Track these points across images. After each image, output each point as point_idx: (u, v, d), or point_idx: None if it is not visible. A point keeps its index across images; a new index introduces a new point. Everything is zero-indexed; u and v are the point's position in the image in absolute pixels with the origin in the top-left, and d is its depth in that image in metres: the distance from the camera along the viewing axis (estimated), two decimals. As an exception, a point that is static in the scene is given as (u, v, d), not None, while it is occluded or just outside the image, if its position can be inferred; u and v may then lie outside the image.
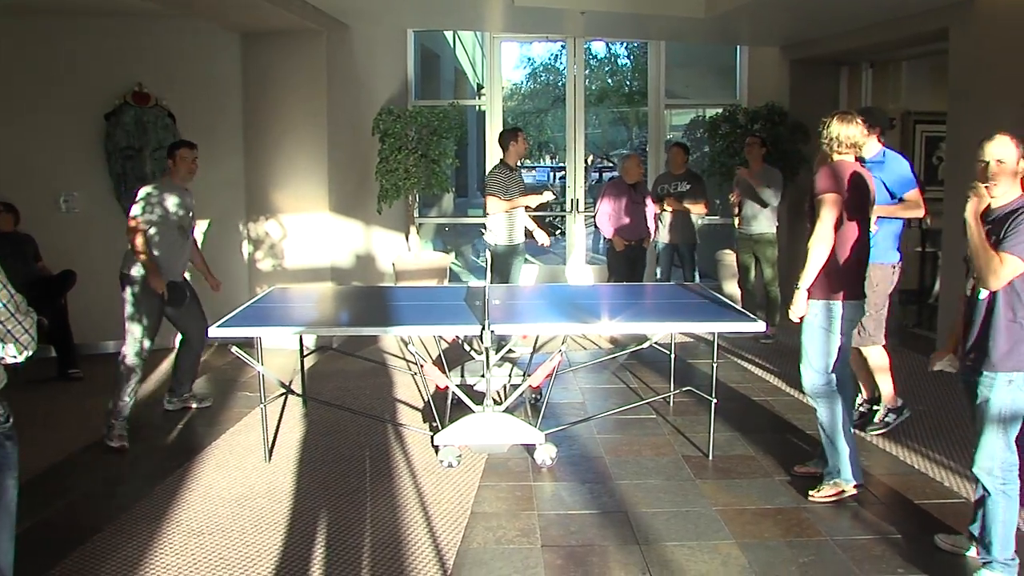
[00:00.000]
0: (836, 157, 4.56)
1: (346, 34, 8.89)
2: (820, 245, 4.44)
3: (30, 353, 2.68)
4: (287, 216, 8.46)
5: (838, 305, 4.51)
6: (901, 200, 5.44)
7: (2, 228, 7.36)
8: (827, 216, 4.42)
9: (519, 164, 8.09)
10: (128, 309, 5.89)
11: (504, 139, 8.03)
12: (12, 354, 2.63)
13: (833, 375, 4.57)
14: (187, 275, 6.35)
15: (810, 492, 4.67)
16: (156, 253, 5.92)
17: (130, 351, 5.82)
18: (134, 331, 5.86)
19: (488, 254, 6.53)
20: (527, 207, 7.89)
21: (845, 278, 4.52)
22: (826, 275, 4.49)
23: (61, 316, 7.41)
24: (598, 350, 8.24)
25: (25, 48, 7.77)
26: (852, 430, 4.76)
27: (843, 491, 4.62)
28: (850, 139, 4.53)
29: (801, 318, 4.59)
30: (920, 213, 5.54)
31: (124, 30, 8.00)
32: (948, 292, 7.54)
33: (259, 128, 8.44)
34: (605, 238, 8.72)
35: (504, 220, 7.87)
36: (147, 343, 5.89)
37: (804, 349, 4.63)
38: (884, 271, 5.41)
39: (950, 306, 7.44)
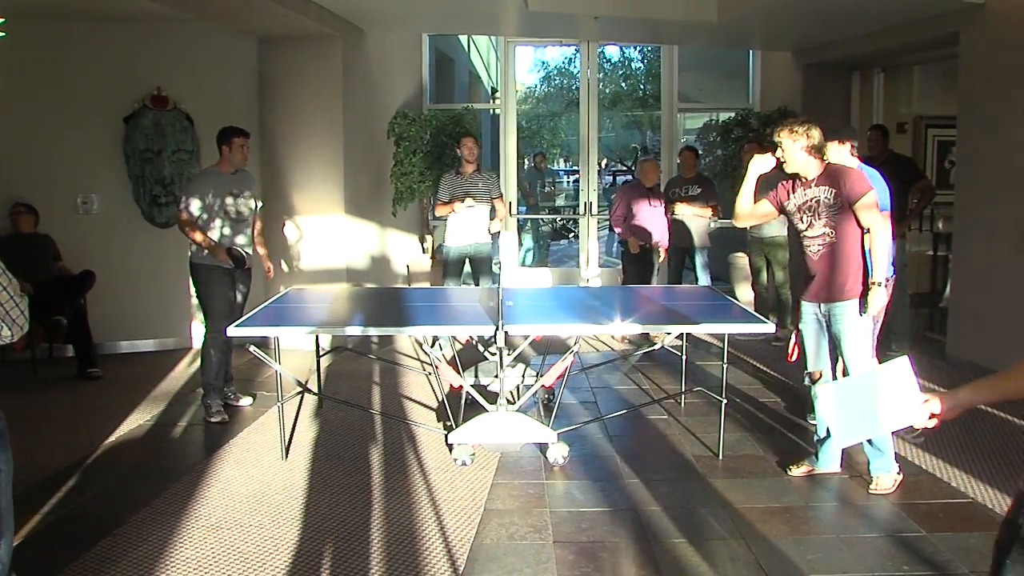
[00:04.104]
0: (815, 159, 4.67)
1: (362, 39, 8.98)
2: (888, 240, 4.63)
3: (23, 333, 2.87)
4: (303, 218, 8.55)
5: None
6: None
7: (23, 229, 7.51)
8: (879, 212, 4.59)
9: (476, 169, 8.11)
10: (196, 295, 6.23)
11: (455, 145, 8.26)
12: (7, 336, 2.79)
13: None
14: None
15: (871, 487, 4.76)
16: (214, 240, 6.09)
17: (206, 335, 6.19)
18: (204, 315, 6.22)
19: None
20: (453, 211, 7.90)
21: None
22: (860, 270, 4.63)
23: (80, 316, 7.52)
24: (610, 351, 8.30)
25: (45, 51, 7.82)
26: None
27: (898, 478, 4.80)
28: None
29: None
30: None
31: (143, 35, 8.06)
32: (958, 296, 7.57)
33: (275, 131, 8.54)
34: (618, 240, 8.74)
35: (450, 222, 8.02)
36: (218, 325, 6.02)
37: (853, 347, 4.68)
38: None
39: (960, 310, 7.48)
